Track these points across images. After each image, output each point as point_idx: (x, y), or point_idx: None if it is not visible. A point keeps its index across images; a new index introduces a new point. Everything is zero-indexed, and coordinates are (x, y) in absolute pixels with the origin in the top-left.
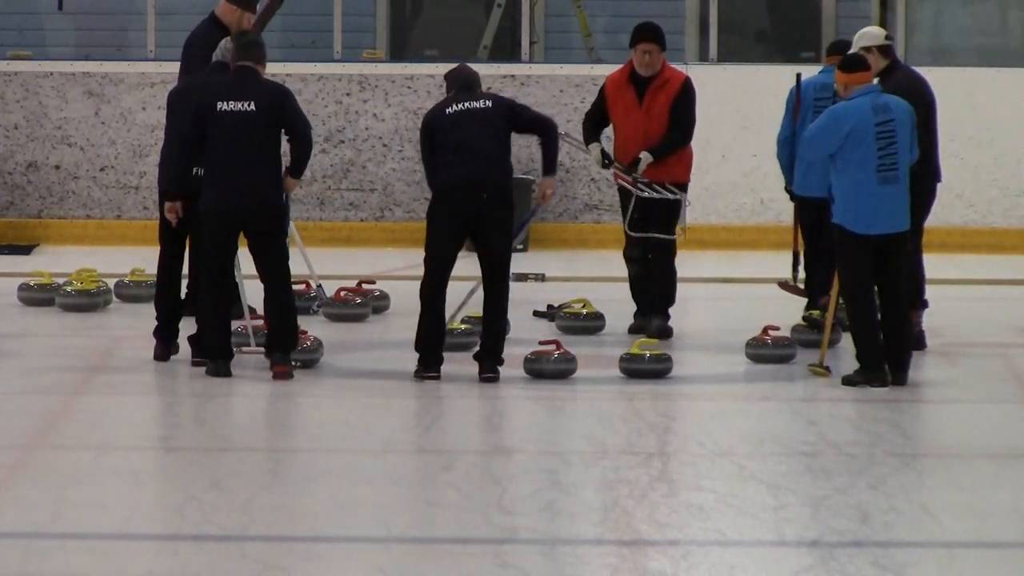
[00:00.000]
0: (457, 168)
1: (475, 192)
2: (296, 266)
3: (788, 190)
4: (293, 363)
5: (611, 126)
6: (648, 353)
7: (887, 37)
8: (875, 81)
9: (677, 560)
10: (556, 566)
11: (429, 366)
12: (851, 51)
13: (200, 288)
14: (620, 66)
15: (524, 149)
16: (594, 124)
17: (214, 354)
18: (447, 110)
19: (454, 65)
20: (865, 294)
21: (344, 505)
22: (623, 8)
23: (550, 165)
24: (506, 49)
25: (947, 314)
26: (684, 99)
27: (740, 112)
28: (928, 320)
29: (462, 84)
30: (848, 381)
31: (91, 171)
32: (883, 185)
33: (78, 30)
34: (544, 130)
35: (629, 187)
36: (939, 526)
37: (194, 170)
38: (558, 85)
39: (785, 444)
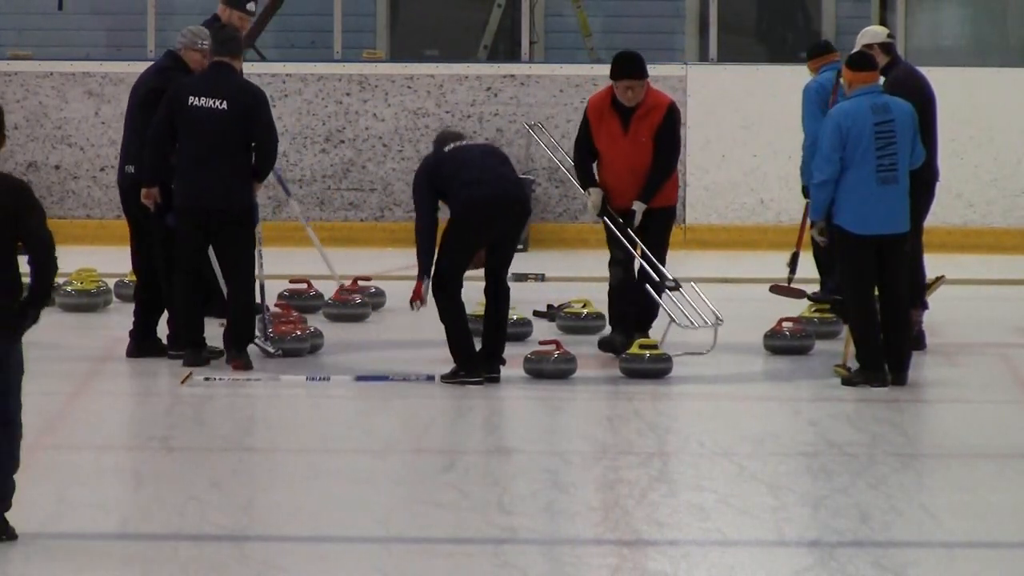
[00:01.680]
0: (486, 186)
1: (509, 206)
2: (305, 267)
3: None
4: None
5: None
6: (648, 353)
7: (889, 35)
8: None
9: (677, 560)
10: (556, 566)
11: (473, 371)
12: (854, 50)
13: (173, 280)
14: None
15: (522, 150)
16: (590, 155)
17: (185, 343)
18: (445, 149)
19: (454, 65)
20: (865, 294)
21: (344, 505)
22: (623, 8)
23: None
24: (506, 49)
25: (947, 314)
26: (669, 126)
27: (740, 112)
28: (928, 320)
29: (451, 136)
30: (848, 381)
31: (91, 171)
32: (882, 186)
33: (78, 30)
34: None
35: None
36: (939, 526)
37: (127, 168)
38: (558, 85)
39: (785, 444)
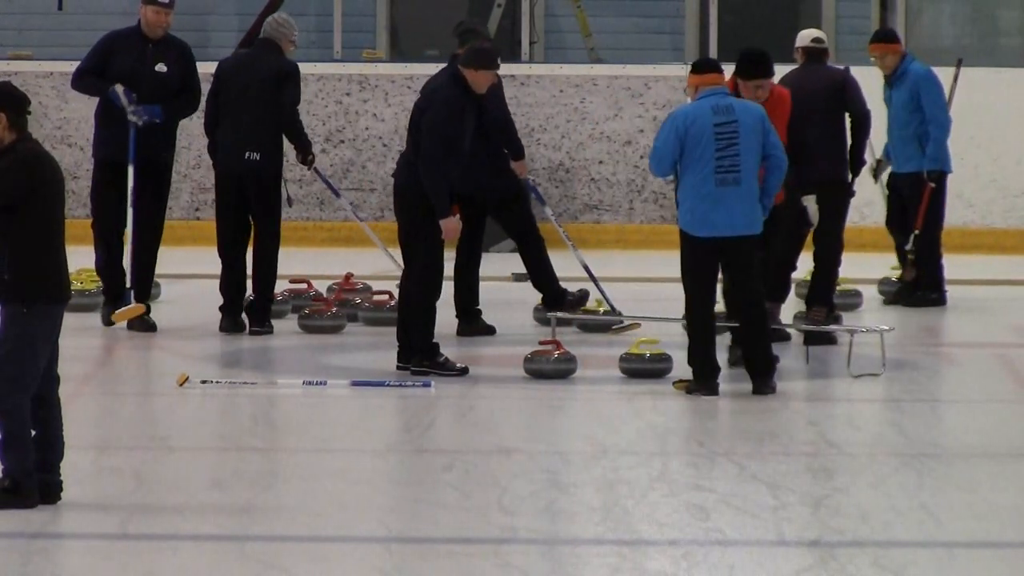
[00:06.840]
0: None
1: (398, 194)
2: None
3: (937, 173)
4: None
5: None
6: (648, 353)
7: (814, 40)
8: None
9: (677, 560)
10: (556, 566)
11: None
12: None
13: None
14: (620, 65)
15: (524, 149)
16: None
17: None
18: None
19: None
20: (703, 299)
21: (344, 505)
22: (623, 8)
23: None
24: (506, 49)
25: (947, 314)
26: None
27: None
28: (928, 320)
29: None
30: (688, 390)
31: (91, 171)
32: (721, 187)
33: (78, 30)
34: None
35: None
36: (939, 526)
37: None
38: (558, 85)
39: (785, 444)
